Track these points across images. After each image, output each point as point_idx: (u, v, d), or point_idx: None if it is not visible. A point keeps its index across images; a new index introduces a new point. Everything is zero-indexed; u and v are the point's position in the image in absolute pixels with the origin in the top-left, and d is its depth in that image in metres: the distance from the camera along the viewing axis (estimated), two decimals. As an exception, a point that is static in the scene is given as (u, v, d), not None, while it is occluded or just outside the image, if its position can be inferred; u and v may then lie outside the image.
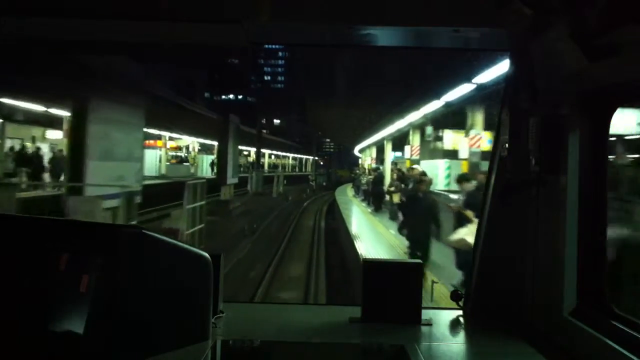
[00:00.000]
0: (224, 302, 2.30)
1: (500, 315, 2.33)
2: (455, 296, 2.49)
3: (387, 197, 23.74)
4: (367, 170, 35.11)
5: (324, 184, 71.05)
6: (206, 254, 2.04)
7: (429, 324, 2.33)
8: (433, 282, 2.71)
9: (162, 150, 40.71)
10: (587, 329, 1.89)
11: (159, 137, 40.43)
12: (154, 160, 37.98)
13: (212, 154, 48.77)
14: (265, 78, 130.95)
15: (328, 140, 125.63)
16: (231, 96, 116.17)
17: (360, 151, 57.10)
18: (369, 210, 25.00)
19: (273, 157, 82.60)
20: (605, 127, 2.04)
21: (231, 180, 27.91)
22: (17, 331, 1.77)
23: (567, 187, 2.07)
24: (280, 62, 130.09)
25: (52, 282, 1.80)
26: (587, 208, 2.05)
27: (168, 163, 46.05)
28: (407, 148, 24.65)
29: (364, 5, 2.21)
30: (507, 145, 2.25)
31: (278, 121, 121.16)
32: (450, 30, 2.22)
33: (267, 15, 2.18)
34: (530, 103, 2.23)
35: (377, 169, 30.95)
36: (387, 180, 25.79)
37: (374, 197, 25.44)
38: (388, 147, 32.17)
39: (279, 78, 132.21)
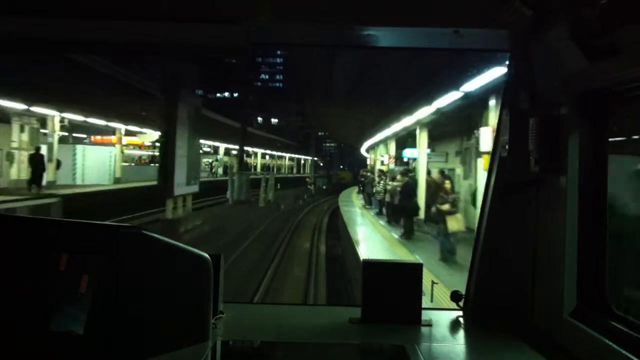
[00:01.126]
0: (223, 303, 2.30)
1: (500, 315, 2.33)
2: (455, 297, 2.49)
3: (419, 215, 17.29)
4: (383, 173, 24.38)
5: (324, 187, 64.33)
6: (206, 255, 2.04)
7: (429, 324, 2.33)
8: (433, 282, 2.70)
9: (117, 148, 32.99)
10: (587, 330, 1.89)
11: (112, 132, 33.68)
12: (105, 161, 30.61)
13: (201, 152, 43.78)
14: (263, 77, 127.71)
15: (329, 139, 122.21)
16: (226, 94, 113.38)
17: (369, 149, 46.45)
18: (396, 236, 16.52)
19: (267, 157, 75.85)
20: (605, 127, 2.04)
21: (184, 189, 19.12)
22: (17, 331, 1.77)
23: (567, 188, 2.07)
24: (278, 60, 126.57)
25: (52, 282, 1.80)
26: (587, 208, 2.05)
27: (133, 164, 38.28)
28: (483, 133, 13.43)
29: (365, 5, 2.21)
30: (507, 145, 2.25)
31: (276, 120, 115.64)
32: (451, 30, 2.22)
33: (267, 16, 2.18)
34: (530, 103, 2.23)
35: (407, 171, 19.23)
36: (422, 189, 18.15)
37: (401, 213, 17.32)
38: (422, 137, 20.97)
39: (278, 77, 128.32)
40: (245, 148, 59.24)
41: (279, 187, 45.76)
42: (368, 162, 48.97)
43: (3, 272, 1.84)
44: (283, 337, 2.21)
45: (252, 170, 60.14)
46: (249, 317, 2.47)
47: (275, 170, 73.34)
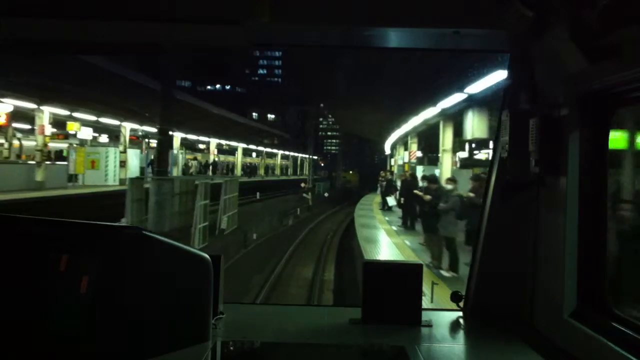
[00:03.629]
0: (224, 303, 2.30)
1: (500, 316, 2.33)
2: (455, 297, 2.49)
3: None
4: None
5: (326, 194, 49.43)
6: (206, 255, 2.04)
7: (429, 325, 2.33)
8: (433, 283, 2.71)
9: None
10: (587, 330, 1.89)
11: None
12: None
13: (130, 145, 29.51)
14: (260, 72, 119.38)
15: (330, 130, 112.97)
16: (217, 86, 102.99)
17: (399, 143, 32.44)
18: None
19: (254, 154, 61.04)
20: (606, 128, 2.04)
21: None
22: (17, 331, 1.77)
23: (567, 188, 2.07)
24: (276, 54, 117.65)
25: (52, 282, 1.80)
26: (587, 209, 2.05)
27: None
28: None
29: (365, 6, 2.21)
30: (507, 146, 2.26)
31: (273, 116, 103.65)
32: (451, 31, 2.22)
33: (267, 16, 2.18)
34: (530, 104, 2.23)
35: None
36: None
37: None
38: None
39: (276, 72, 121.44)
40: (220, 141, 45.61)
41: (258, 197, 34.15)
42: (401, 160, 31.70)
43: (3, 272, 1.83)
44: (283, 338, 2.21)
45: (231, 172, 47.21)
46: (249, 318, 2.47)
47: (263, 171, 58.03)
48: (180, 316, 1.95)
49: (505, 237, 2.41)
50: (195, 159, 42.97)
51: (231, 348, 2.12)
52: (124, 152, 29.30)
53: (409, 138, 29.62)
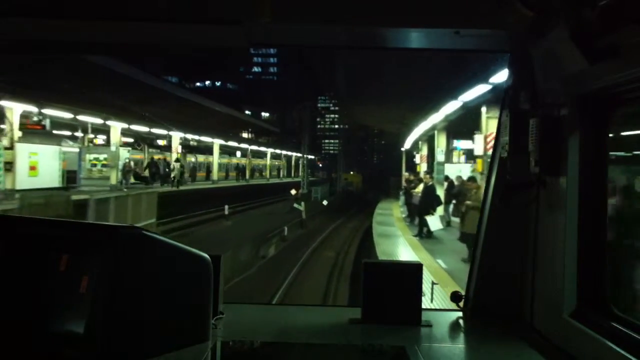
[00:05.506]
0: (224, 303, 2.30)
1: (500, 316, 2.33)
2: (455, 297, 2.49)
3: None
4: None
5: (325, 202, 39.96)
6: (206, 255, 2.04)
7: (429, 325, 2.33)
8: (433, 283, 2.70)
9: None
10: (586, 330, 1.89)
11: None
12: None
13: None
14: (255, 69, 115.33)
15: (329, 130, 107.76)
16: (207, 82, 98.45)
17: (438, 127, 22.11)
18: None
19: (239, 154, 49.12)
20: (605, 128, 2.05)
21: None
22: (17, 331, 1.77)
23: (567, 188, 2.07)
24: (272, 51, 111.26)
25: (52, 282, 1.80)
26: (587, 209, 2.05)
27: None
28: None
29: (365, 7, 2.21)
30: (507, 146, 2.26)
31: (267, 114, 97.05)
32: (451, 31, 2.23)
33: (267, 17, 2.18)
34: (530, 104, 2.24)
35: None
36: None
37: None
38: None
39: (272, 69, 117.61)
40: (186, 135, 33.87)
41: (226, 211, 25.86)
42: (441, 155, 22.01)
43: (3, 273, 1.83)
44: (283, 338, 2.21)
45: (208, 174, 38.47)
46: (249, 318, 2.47)
47: (248, 173, 47.39)
48: (180, 316, 1.95)
49: (505, 237, 2.41)
50: (178, 160, 32.85)
51: (231, 348, 2.12)
52: (10, 148, 18.78)
53: (483, 111, 15.96)
